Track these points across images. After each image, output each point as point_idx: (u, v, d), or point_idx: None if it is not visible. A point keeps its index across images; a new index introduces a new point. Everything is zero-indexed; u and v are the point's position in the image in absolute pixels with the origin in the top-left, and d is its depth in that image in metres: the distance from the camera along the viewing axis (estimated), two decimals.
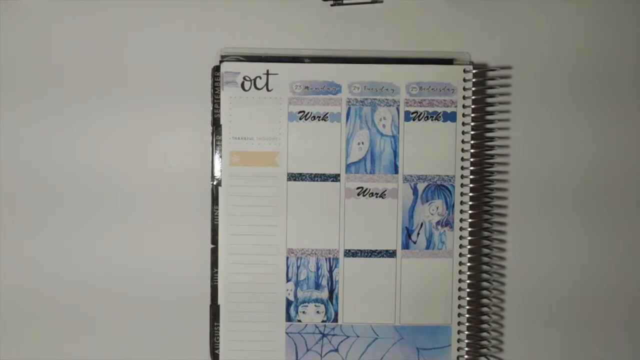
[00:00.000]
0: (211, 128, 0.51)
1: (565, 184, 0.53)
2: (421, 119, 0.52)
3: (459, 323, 0.52)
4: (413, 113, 0.52)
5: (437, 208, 0.52)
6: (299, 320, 0.52)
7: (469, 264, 0.52)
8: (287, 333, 0.52)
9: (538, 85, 0.53)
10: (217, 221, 0.51)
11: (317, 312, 0.52)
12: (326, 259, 0.52)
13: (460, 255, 0.52)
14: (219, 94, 0.51)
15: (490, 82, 0.52)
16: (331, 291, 0.52)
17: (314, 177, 0.52)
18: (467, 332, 0.52)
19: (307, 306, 0.52)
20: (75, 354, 0.52)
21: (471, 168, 0.51)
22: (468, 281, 0.52)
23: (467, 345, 0.52)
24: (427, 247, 0.52)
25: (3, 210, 0.52)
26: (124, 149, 0.52)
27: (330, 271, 0.52)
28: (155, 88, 0.52)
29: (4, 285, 0.52)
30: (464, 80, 0.51)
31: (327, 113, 0.52)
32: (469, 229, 0.52)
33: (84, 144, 0.52)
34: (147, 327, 0.52)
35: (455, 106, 0.52)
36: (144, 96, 0.52)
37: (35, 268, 0.52)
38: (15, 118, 0.51)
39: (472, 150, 0.52)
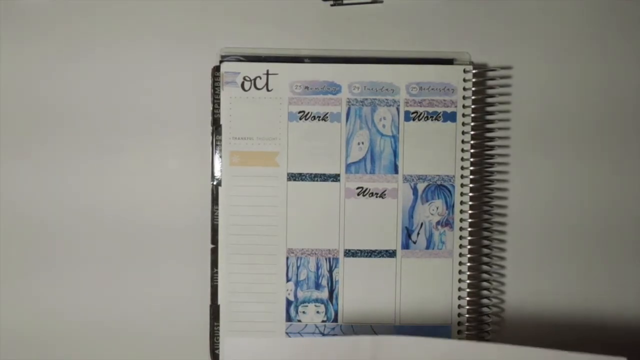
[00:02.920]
0: (211, 128, 0.51)
1: (566, 184, 0.53)
2: (421, 119, 0.52)
3: (459, 323, 0.52)
4: (413, 113, 0.52)
5: (437, 208, 0.52)
6: (299, 320, 0.52)
7: (469, 264, 0.52)
8: (287, 333, 0.52)
9: (538, 85, 0.53)
10: (217, 221, 0.51)
11: (317, 312, 0.52)
12: (326, 259, 0.52)
13: (460, 255, 0.52)
14: (219, 94, 0.51)
15: (490, 82, 0.52)
16: (331, 291, 0.52)
17: (314, 177, 0.52)
18: (467, 332, 0.52)
19: (307, 306, 0.52)
20: (76, 353, 0.52)
21: (471, 168, 0.52)
22: (468, 281, 0.52)
23: None
24: (427, 247, 0.52)
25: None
26: (123, 149, 0.52)
27: (330, 271, 0.52)
28: (155, 88, 0.52)
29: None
30: (464, 80, 0.51)
31: (327, 113, 0.52)
32: (469, 229, 0.52)
33: (83, 145, 0.52)
34: (148, 327, 0.52)
35: (455, 106, 0.52)
36: (143, 96, 0.52)
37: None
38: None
39: (472, 150, 0.52)
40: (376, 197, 0.52)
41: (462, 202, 0.52)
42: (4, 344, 0.52)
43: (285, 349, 0.39)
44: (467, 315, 0.52)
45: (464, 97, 0.51)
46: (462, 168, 0.52)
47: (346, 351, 0.39)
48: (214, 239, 0.51)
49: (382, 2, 0.52)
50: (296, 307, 0.52)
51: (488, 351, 0.41)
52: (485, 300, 0.52)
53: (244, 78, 0.51)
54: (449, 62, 0.52)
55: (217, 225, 0.51)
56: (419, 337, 0.41)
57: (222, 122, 0.51)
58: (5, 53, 0.52)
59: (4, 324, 0.52)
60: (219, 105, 0.51)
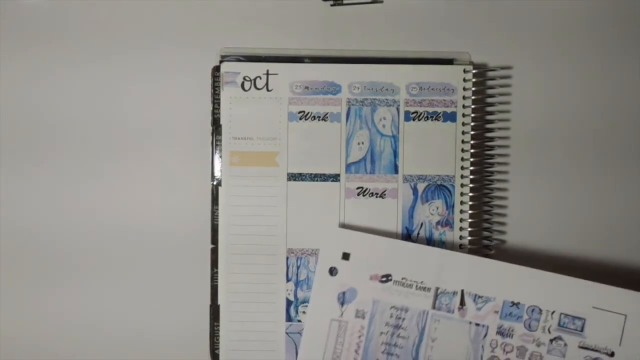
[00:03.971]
0: (211, 128, 0.51)
1: (565, 184, 0.53)
2: (421, 119, 0.52)
3: None
4: (413, 113, 0.52)
5: (437, 208, 0.52)
6: (299, 320, 0.52)
7: None
8: (287, 333, 0.52)
9: (538, 85, 0.53)
10: (217, 221, 0.51)
11: None
12: None
13: None
14: (219, 94, 0.51)
15: (490, 82, 0.52)
16: None
17: (314, 177, 0.52)
18: None
19: (307, 306, 0.52)
20: (76, 352, 0.52)
21: (471, 168, 0.52)
22: None
23: None
24: None
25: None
26: (123, 150, 0.52)
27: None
28: (155, 88, 0.52)
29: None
30: (464, 80, 0.51)
31: (327, 113, 0.52)
32: (469, 229, 0.52)
33: (83, 145, 0.52)
34: (148, 327, 0.52)
35: (455, 106, 0.52)
36: (143, 96, 0.52)
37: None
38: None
39: (472, 150, 0.52)
40: (376, 197, 0.52)
41: (462, 202, 0.52)
42: (6, 344, 0.52)
43: (371, 244, 0.50)
44: None
45: (464, 97, 0.51)
46: (462, 168, 0.52)
47: (419, 256, 0.50)
48: (214, 239, 0.51)
49: (382, 2, 0.52)
50: (296, 307, 0.52)
51: (530, 274, 0.49)
52: None
53: (244, 78, 0.51)
54: (449, 62, 0.52)
55: (217, 225, 0.51)
56: (482, 258, 0.50)
57: (222, 122, 0.51)
58: (4, 58, 0.51)
59: (4, 325, 0.52)
60: (219, 105, 0.51)
